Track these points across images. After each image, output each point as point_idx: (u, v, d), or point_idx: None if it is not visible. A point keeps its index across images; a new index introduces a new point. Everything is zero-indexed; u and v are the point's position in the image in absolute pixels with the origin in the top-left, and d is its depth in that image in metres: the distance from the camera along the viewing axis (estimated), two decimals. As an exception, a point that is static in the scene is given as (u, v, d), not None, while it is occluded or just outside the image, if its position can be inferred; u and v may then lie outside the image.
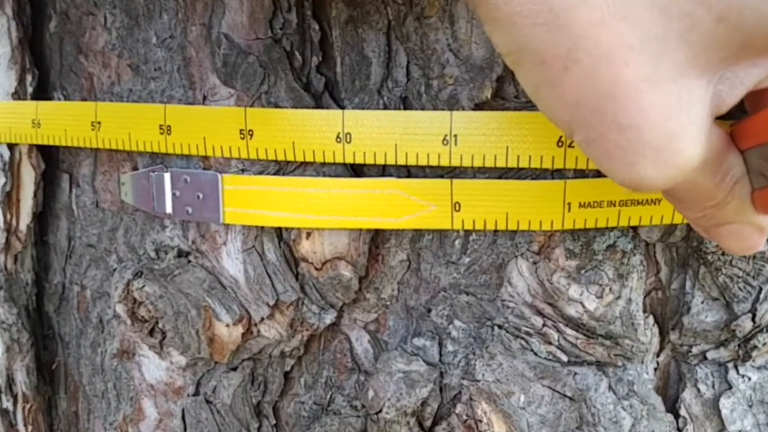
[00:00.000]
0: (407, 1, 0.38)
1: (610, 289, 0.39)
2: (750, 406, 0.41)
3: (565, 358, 0.41)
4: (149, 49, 0.43)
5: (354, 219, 0.40)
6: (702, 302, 0.41)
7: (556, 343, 0.40)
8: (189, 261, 0.44)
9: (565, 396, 0.40)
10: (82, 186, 0.48)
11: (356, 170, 0.41)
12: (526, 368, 0.40)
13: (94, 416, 0.51)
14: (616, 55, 0.24)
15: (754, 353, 0.41)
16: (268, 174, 0.41)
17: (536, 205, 0.38)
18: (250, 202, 0.41)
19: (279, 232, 0.43)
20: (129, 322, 0.45)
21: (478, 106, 0.38)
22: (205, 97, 0.42)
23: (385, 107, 0.40)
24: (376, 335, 0.44)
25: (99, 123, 0.44)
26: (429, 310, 0.42)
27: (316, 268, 0.42)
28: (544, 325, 0.40)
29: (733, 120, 0.30)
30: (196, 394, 0.46)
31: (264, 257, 0.42)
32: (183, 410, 0.47)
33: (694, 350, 0.42)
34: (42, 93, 0.49)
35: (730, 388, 0.41)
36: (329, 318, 0.43)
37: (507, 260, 0.40)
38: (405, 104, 0.40)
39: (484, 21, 0.26)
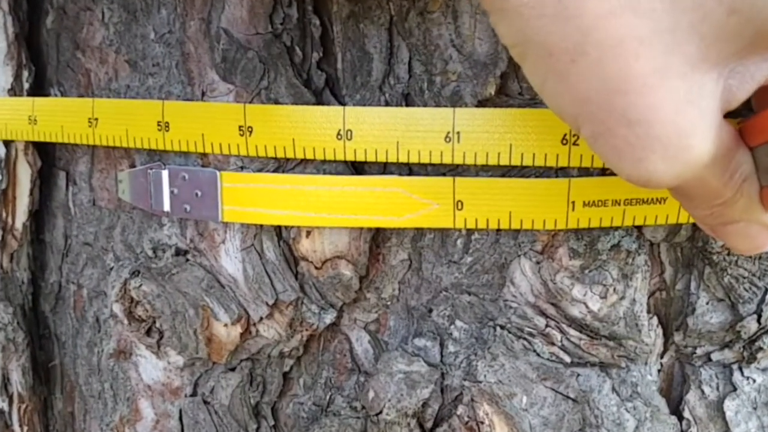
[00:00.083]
0: (409, -4, 0.38)
1: (614, 290, 0.39)
2: (755, 409, 0.41)
3: (568, 359, 0.40)
4: (147, 44, 0.43)
5: (355, 217, 0.40)
6: (707, 303, 0.41)
7: (559, 344, 0.40)
8: (187, 260, 0.44)
9: (568, 397, 0.40)
10: (79, 183, 0.48)
11: (357, 168, 0.40)
12: (529, 369, 0.40)
13: (91, 417, 0.50)
14: (625, 48, 0.24)
15: (759, 355, 0.41)
16: (267, 171, 0.41)
17: (540, 204, 0.38)
18: (249, 199, 0.41)
19: (278, 230, 0.42)
20: (126, 321, 0.45)
21: (482, 103, 0.38)
22: (203, 93, 0.42)
23: (387, 104, 0.39)
24: (376, 335, 0.43)
25: (96, 119, 0.44)
26: (430, 310, 0.42)
27: (316, 267, 0.41)
28: (547, 325, 0.40)
29: (741, 117, 0.29)
30: (194, 394, 0.46)
31: (263, 256, 0.42)
32: (180, 411, 0.46)
33: (699, 351, 0.42)
34: (38, 89, 0.49)
35: (735, 390, 0.41)
36: (329, 318, 0.42)
37: (510, 260, 0.40)
38: (407, 101, 0.39)
39: (490, 12, 0.26)
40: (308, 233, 0.41)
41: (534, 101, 0.38)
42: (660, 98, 0.24)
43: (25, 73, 0.47)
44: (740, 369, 0.41)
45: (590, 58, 0.24)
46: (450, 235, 0.41)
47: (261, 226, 0.42)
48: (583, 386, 0.40)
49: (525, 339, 0.40)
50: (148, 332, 0.45)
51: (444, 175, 0.39)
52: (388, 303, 0.43)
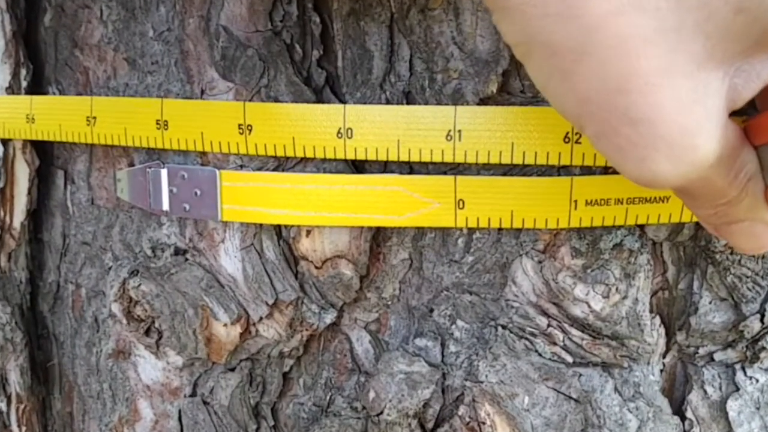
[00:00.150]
0: (410, -6, 0.37)
1: (617, 289, 0.39)
2: (758, 409, 0.41)
3: (570, 359, 0.40)
4: (146, 42, 0.42)
5: (355, 216, 0.39)
6: (710, 302, 0.41)
7: (561, 344, 0.40)
8: (186, 259, 0.43)
9: (570, 398, 0.40)
10: (77, 182, 0.48)
11: (357, 166, 0.40)
12: (531, 369, 0.40)
13: (89, 417, 0.50)
14: (629, 47, 0.23)
15: (762, 355, 0.41)
16: (267, 170, 0.41)
17: (542, 203, 0.38)
18: (248, 198, 0.40)
19: (278, 229, 0.42)
20: (125, 321, 0.44)
21: (483, 101, 0.37)
22: (203, 91, 0.41)
23: (388, 102, 0.39)
24: (377, 335, 0.43)
25: (94, 118, 0.43)
26: (431, 310, 0.42)
27: (316, 267, 0.41)
28: (548, 325, 0.40)
29: (746, 116, 0.29)
30: (193, 394, 0.46)
31: (263, 255, 0.42)
32: (179, 411, 0.46)
33: (701, 351, 0.41)
34: (36, 87, 0.48)
35: (738, 390, 0.41)
36: (329, 318, 0.42)
37: (511, 259, 0.40)
38: (408, 99, 0.39)
39: (492, 10, 0.26)
40: (308, 232, 0.41)
41: (536, 99, 0.37)
42: (664, 97, 0.24)
43: (23, 72, 0.47)
44: (743, 369, 0.41)
45: (594, 57, 0.24)
46: (451, 235, 0.40)
47: (261, 225, 0.42)
48: (586, 386, 0.40)
49: (527, 339, 0.40)
50: (147, 332, 0.45)
51: (445, 173, 0.39)
52: (389, 303, 0.42)
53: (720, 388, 0.41)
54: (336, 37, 0.39)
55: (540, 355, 0.40)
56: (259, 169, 0.41)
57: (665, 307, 0.42)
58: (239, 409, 0.44)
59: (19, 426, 0.52)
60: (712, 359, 0.41)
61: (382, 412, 0.40)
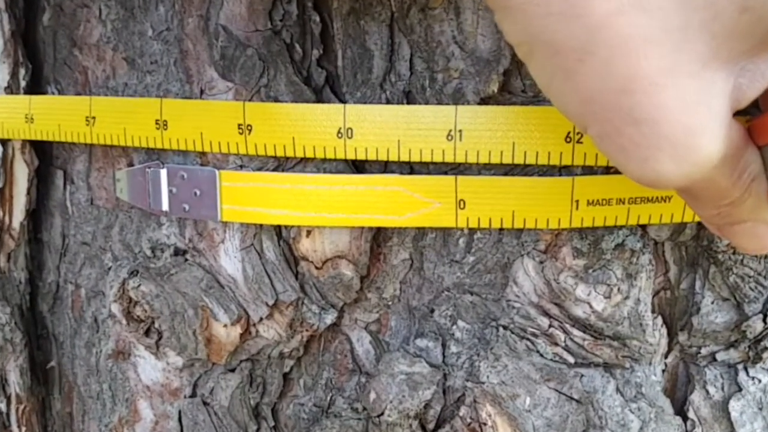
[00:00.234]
0: (411, -7, 0.37)
1: (619, 289, 0.39)
2: (760, 409, 0.41)
3: (571, 360, 0.40)
4: (145, 41, 0.42)
5: (355, 216, 0.39)
6: (712, 302, 0.40)
7: (563, 345, 0.40)
8: (186, 260, 0.43)
9: (572, 398, 0.39)
10: (77, 182, 0.48)
11: (358, 166, 0.40)
12: (532, 370, 0.40)
13: (89, 417, 0.50)
14: (633, 47, 0.23)
15: (765, 355, 0.41)
16: (267, 170, 0.40)
17: (543, 203, 0.37)
18: (248, 199, 0.40)
19: (278, 230, 0.42)
20: (124, 321, 0.44)
21: (484, 101, 0.37)
22: (202, 91, 0.41)
23: (388, 101, 0.39)
24: (377, 336, 0.43)
25: (94, 118, 0.43)
26: (432, 311, 0.41)
27: (317, 267, 0.41)
28: (550, 325, 0.40)
29: (749, 115, 0.29)
30: (193, 395, 0.45)
31: (263, 256, 0.42)
32: (179, 412, 0.46)
33: (704, 351, 0.41)
34: (35, 87, 0.48)
35: (740, 390, 0.41)
36: (330, 318, 0.42)
37: (512, 259, 0.40)
38: (408, 98, 0.39)
39: (494, 9, 0.26)
40: (308, 233, 0.41)
41: (537, 99, 0.37)
42: (669, 97, 0.24)
43: (22, 71, 0.47)
44: (745, 369, 0.41)
45: (598, 57, 0.24)
46: (452, 235, 0.40)
47: (261, 225, 0.41)
48: (587, 387, 0.40)
49: (528, 339, 0.40)
50: (147, 333, 0.44)
51: (446, 173, 0.39)
52: (390, 303, 0.42)
53: (722, 389, 0.41)
54: (336, 37, 0.39)
55: (541, 355, 0.40)
56: (259, 169, 0.41)
57: (667, 307, 0.41)
58: (239, 410, 0.44)
59: (18, 426, 0.52)
60: (715, 359, 0.41)
61: (382, 413, 0.40)
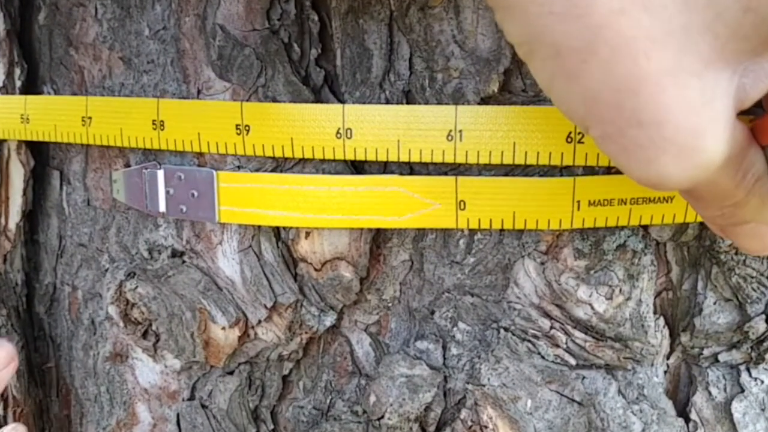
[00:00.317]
0: (410, -9, 0.37)
1: (620, 290, 0.38)
2: (762, 410, 0.41)
3: (573, 362, 0.39)
4: (141, 41, 0.42)
5: (355, 218, 0.39)
6: (714, 303, 0.40)
7: (564, 346, 0.39)
8: (183, 261, 0.43)
9: (574, 401, 0.39)
10: (73, 183, 0.47)
11: (357, 167, 0.40)
12: (533, 372, 0.39)
13: (87, 420, 0.49)
14: (636, 48, 0.23)
15: (768, 356, 0.40)
16: (265, 171, 0.40)
17: (544, 204, 0.37)
18: (246, 200, 0.40)
19: (277, 231, 0.41)
20: (122, 324, 0.44)
21: (484, 101, 0.37)
22: (199, 91, 0.41)
23: (387, 101, 0.38)
24: (377, 338, 0.43)
25: (90, 118, 0.43)
26: (432, 312, 0.41)
27: (316, 269, 0.41)
28: (551, 327, 0.39)
29: (752, 115, 0.29)
30: (192, 398, 0.45)
31: (261, 257, 0.41)
32: (178, 415, 0.45)
33: (706, 352, 0.41)
34: (31, 87, 0.48)
35: (743, 391, 0.41)
36: (329, 320, 0.42)
37: (513, 260, 0.39)
38: (408, 98, 0.38)
39: (495, 8, 0.25)
40: (307, 234, 0.40)
41: (538, 98, 0.37)
42: (672, 98, 0.23)
43: (17, 71, 0.47)
44: (748, 370, 0.41)
45: (600, 58, 0.23)
46: (452, 236, 0.40)
47: (259, 227, 0.41)
48: (589, 389, 0.39)
49: (529, 341, 0.40)
50: (145, 335, 0.44)
51: (446, 174, 0.38)
52: (390, 304, 0.42)
53: (725, 390, 0.41)
54: (335, 36, 0.39)
55: (543, 357, 0.40)
56: (257, 170, 0.40)
57: (669, 308, 0.41)
58: (238, 413, 0.44)
59: (16, 428, 0.52)
60: (717, 360, 0.41)
61: (383, 416, 0.39)
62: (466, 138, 0.36)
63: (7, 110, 0.46)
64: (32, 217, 0.50)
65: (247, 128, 0.39)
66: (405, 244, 0.41)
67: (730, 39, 0.23)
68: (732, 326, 0.40)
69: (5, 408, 0.51)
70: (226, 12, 0.39)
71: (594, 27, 0.23)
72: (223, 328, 0.42)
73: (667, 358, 0.41)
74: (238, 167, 0.41)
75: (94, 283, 0.47)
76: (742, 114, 0.26)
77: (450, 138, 0.37)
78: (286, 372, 0.44)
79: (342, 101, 0.39)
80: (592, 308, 0.38)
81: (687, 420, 0.41)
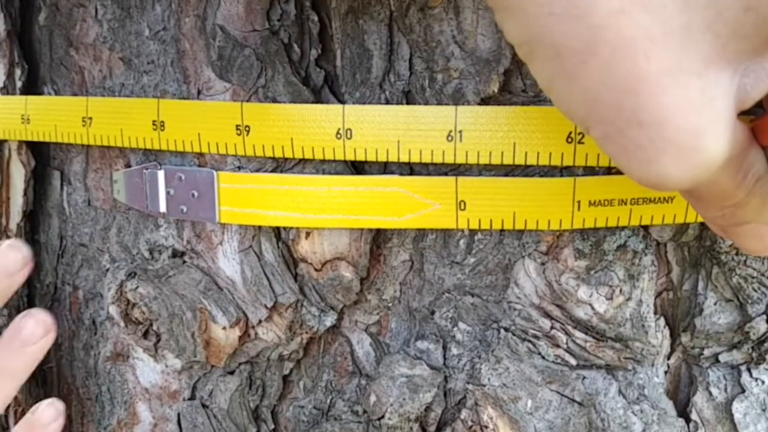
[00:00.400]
0: (410, -9, 0.37)
1: (621, 291, 0.38)
2: (763, 410, 0.41)
3: (573, 362, 0.39)
4: (142, 41, 0.42)
5: (355, 218, 0.39)
6: (715, 303, 0.40)
7: (565, 346, 0.39)
8: (184, 261, 0.43)
9: (574, 401, 0.39)
10: (74, 183, 0.47)
11: (357, 167, 0.40)
12: (534, 372, 0.39)
13: (88, 420, 0.49)
14: (636, 47, 0.23)
15: (768, 356, 0.40)
16: (265, 171, 0.40)
17: (544, 204, 0.37)
18: (246, 200, 0.40)
19: (277, 231, 0.41)
20: (122, 324, 0.44)
21: (485, 101, 0.37)
22: (199, 92, 0.41)
23: (387, 102, 0.38)
24: (377, 338, 0.43)
25: (90, 119, 0.43)
26: (433, 312, 0.41)
27: (316, 269, 0.41)
28: (552, 327, 0.39)
29: (753, 116, 0.29)
30: (192, 398, 0.45)
31: (262, 258, 0.41)
32: (179, 415, 0.45)
33: (706, 353, 0.41)
34: (31, 87, 0.48)
35: (743, 391, 0.41)
36: (329, 320, 0.42)
37: (514, 261, 0.39)
38: (408, 99, 0.38)
39: (495, 9, 0.25)
40: (307, 234, 0.40)
41: (538, 98, 0.37)
42: (672, 98, 0.23)
43: (18, 71, 0.47)
44: (749, 370, 0.41)
45: (600, 58, 0.23)
46: (452, 236, 0.40)
47: (259, 227, 0.41)
48: (589, 389, 0.39)
49: (530, 341, 0.40)
50: (145, 335, 0.44)
51: (446, 174, 0.38)
52: (390, 305, 0.42)
53: (725, 390, 0.41)
54: (335, 36, 0.39)
55: (543, 357, 0.40)
56: (258, 170, 0.40)
57: (670, 308, 0.41)
58: (239, 413, 0.44)
59: (17, 429, 0.52)
60: (718, 361, 0.41)
61: (383, 416, 0.39)
62: (466, 138, 0.36)
63: (7, 111, 0.46)
64: (33, 217, 0.50)
65: (247, 129, 0.39)
66: (405, 245, 0.41)
67: (730, 38, 0.23)
68: (733, 326, 0.40)
69: (6, 408, 0.51)
70: (226, 12, 0.39)
71: (594, 27, 0.23)
72: (224, 328, 0.42)
73: (668, 359, 0.41)
74: (239, 168, 0.41)
75: (94, 283, 0.47)
76: (743, 114, 0.26)
77: (450, 138, 0.36)
78: (286, 372, 0.44)
79: (342, 102, 0.39)
80: (593, 308, 0.38)
81: (687, 420, 0.41)
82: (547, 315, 0.39)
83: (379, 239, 0.41)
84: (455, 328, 0.41)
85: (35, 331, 0.43)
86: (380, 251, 0.41)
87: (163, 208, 0.42)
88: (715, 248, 0.39)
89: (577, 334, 0.39)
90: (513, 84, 0.37)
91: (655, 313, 0.40)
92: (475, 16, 0.36)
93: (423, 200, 0.38)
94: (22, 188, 0.48)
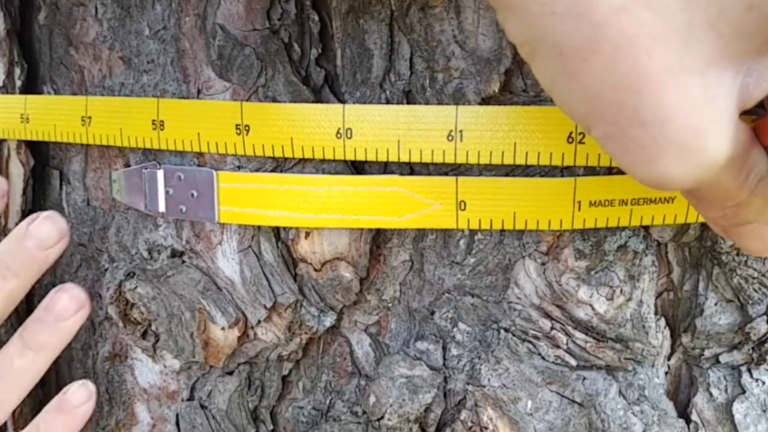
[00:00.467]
0: (411, -9, 0.37)
1: (621, 291, 0.38)
2: (764, 411, 0.40)
3: (573, 363, 0.39)
4: (141, 40, 0.42)
5: (355, 218, 0.39)
6: (715, 304, 0.40)
7: (565, 347, 0.39)
8: (183, 261, 0.43)
9: (574, 402, 0.39)
10: (73, 183, 0.47)
11: (357, 167, 0.40)
12: (534, 373, 0.39)
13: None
14: (638, 46, 0.23)
15: (769, 357, 0.40)
16: (265, 171, 0.40)
17: (545, 204, 0.37)
18: (246, 200, 0.40)
19: (277, 231, 0.41)
20: (121, 324, 0.44)
21: (485, 101, 0.37)
22: (199, 91, 0.41)
23: (388, 101, 0.38)
24: (377, 338, 0.42)
25: (90, 118, 0.43)
26: (432, 313, 0.41)
27: (316, 269, 0.41)
28: (552, 328, 0.39)
29: (755, 115, 0.29)
30: (191, 398, 0.45)
31: (261, 258, 0.41)
32: (177, 415, 0.45)
33: (707, 353, 0.41)
34: (31, 87, 0.48)
35: (744, 392, 0.40)
36: (329, 321, 0.41)
37: (514, 261, 0.39)
38: (408, 98, 0.38)
39: (497, 8, 0.25)
40: (307, 234, 0.40)
41: (539, 98, 0.37)
42: (674, 97, 0.23)
43: (17, 71, 0.47)
44: (749, 371, 0.41)
45: (602, 57, 0.23)
46: (452, 236, 0.40)
47: (259, 227, 0.41)
48: (589, 390, 0.39)
49: (530, 342, 0.39)
50: (144, 335, 0.44)
51: (446, 174, 0.38)
52: (389, 305, 0.42)
53: (726, 391, 0.41)
54: (335, 36, 0.39)
55: (543, 358, 0.39)
56: (257, 170, 0.40)
57: (670, 309, 0.41)
58: (237, 413, 0.44)
59: (15, 429, 0.51)
60: (718, 361, 0.41)
61: (382, 417, 0.39)
62: (466, 138, 0.36)
63: (7, 110, 0.46)
64: (32, 216, 0.50)
65: (247, 128, 0.39)
66: (405, 245, 0.40)
67: (733, 37, 0.23)
68: (733, 327, 0.40)
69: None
70: (227, 12, 0.39)
71: (595, 25, 0.23)
72: (223, 329, 0.42)
73: (668, 359, 0.41)
74: (238, 167, 0.41)
75: (93, 282, 0.47)
76: (745, 114, 0.26)
77: (450, 138, 0.36)
78: (285, 372, 0.44)
79: (342, 101, 0.39)
80: (593, 309, 0.38)
81: (688, 421, 0.40)
82: (548, 315, 0.39)
83: (379, 239, 0.41)
84: (455, 329, 0.41)
85: (69, 305, 0.42)
86: (380, 251, 0.41)
87: (162, 207, 0.42)
88: (716, 249, 0.39)
89: (578, 334, 0.39)
90: (514, 84, 0.37)
91: (656, 313, 0.40)
92: (476, 15, 0.36)
93: (423, 200, 0.38)
94: (21, 187, 0.48)
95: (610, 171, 0.37)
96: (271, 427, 0.44)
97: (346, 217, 0.39)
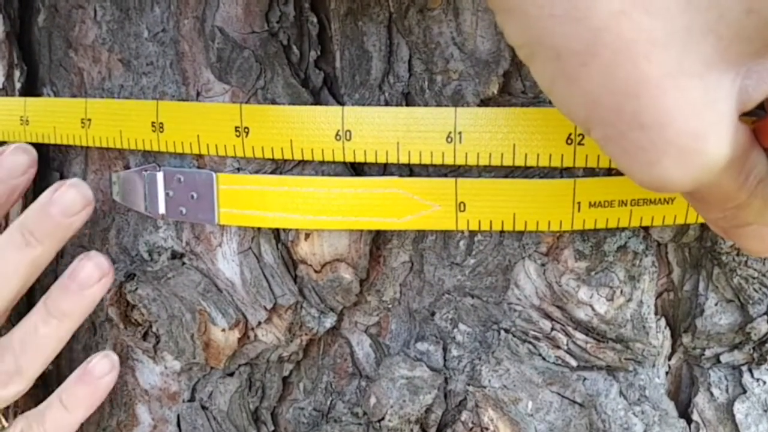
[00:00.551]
0: (409, -8, 0.37)
1: (621, 292, 0.38)
2: (765, 411, 0.40)
3: (574, 363, 0.39)
4: (141, 43, 0.42)
5: (354, 219, 0.39)
6: (716, 304, 0.40)
7: (565, 348, 0.39)
8: (183, 263, 0.43)
9: (575, 402, 0.39)
10: (73, 185, 0.47)
11: (357, 169, 0.40)
12: (534, 374, 0.39)
13: (87, 422, 0.49)
14: (637, 50, 0.23)
15: (770, 356, 0.40)
16: (264, 173, 0.40)
17: (544, 205, 0.37)
18: (246, 202, 0.40)
19: (276, 233, 0.41)
20: (122, 325, 0.44)
21: (484, 102, 0.37)
22: (198, 93, 0.41)
23: (387, 103, 0.38)
24: (377, 339, 0.42)
25: (89, 120, 0.43)
26: (433, 314, 0.41)
27: (316, 271, 0.41)
28: (552, 328, 0.39)
29: (755, 117, 0.29)
30: (192, 399, 0.45)
31: (261, 259, 0.41)
32: (178, 416, 0.45)
33: (707, 353, 0.41)
34: (31, 89, 0.48)
35: (745, 392, 0.40)
36: (329, 322, 0.41)
37: (514, 262, 0.39)
38: (407, 100, 0.38)
39: (496, 11, 0.25)
40: (307, 236, 0.40)
41: (538, 100, 0.37)
42: (674, 101, 0.23)
43: (17, 73, 0.47)
44: (750, 371, 0.41)
45: (601, 60, 0.23)
46: (452, 237, 0.40)
47: (259, 228, 0.41)
48: (590, 390, 0.39)
49: (530, 343, 0.39)
50: (145, 336, 0.44)
51: (446, 176, 0.38)
52: (390, 306, 0.42)
53: (727, 390, 0.41)
54: (334, 38, 0.39)
55: (543, 359, 0.39)
56: (257, 172, 0.40)
57: (670, 309, 0.41)
58: (238, 414, 0.44)
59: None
60: (719, 361, 0.41)
61: (383, 418, 0.39)
62: (465, 140, 0.36)
63: (6, 112, 0.46)
64: (32, 218, 0.50)
65: (246, 130, 0.39)
66: (405, 246, 0.40)
67: (732, 41, 0.23)
68: (734, 327, 0.40)
69: (6, 409, 0.51)
70: (225, 14, 0.39)
71: (594, 29, 0.23)
72: (223, 330, 0.42)
73: (669, 359, 0.41)
74: (238, 169, 0.41)
75: (94, 284, 0.47)
76: (745, 116, 0.26)
77: (449, 140, 0.36)
78: (286, 373, 0.44)
79: (341, 103, 0.39)
80: (593, 309, 0.38)
81: (689, 421, 0.40)
82: (548, 316, 0.39)
83: (378, 240, 0.41)
84: (455, 330, 0.41)
85: (93, 273, 0.42)
86: (380, 252, 0.41)
87: (162, 209, 0.42)
88: (716, 249, 0.39)
89: (578, 335, 0.39)
90: (512, 85, 0.37)
91: (656, 313, 0.40)
92: (475, 17, 0.36)
93: (423, 201, 0.38)
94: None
95: (610, 172, 0.37)
96: (272, 428, 0.44)
97: (346, 218, 0.39)
